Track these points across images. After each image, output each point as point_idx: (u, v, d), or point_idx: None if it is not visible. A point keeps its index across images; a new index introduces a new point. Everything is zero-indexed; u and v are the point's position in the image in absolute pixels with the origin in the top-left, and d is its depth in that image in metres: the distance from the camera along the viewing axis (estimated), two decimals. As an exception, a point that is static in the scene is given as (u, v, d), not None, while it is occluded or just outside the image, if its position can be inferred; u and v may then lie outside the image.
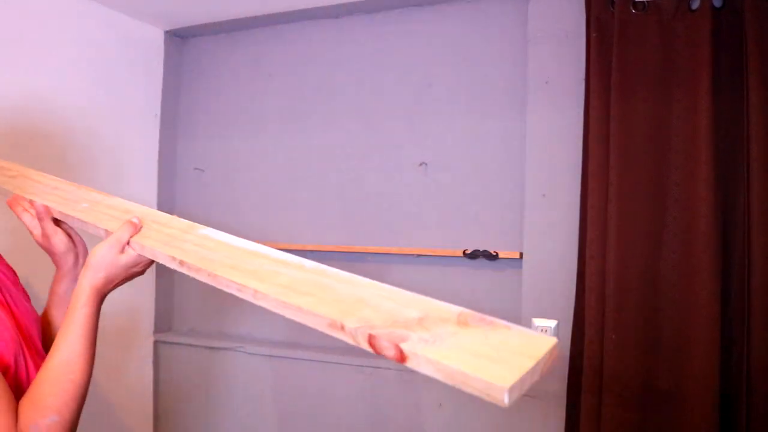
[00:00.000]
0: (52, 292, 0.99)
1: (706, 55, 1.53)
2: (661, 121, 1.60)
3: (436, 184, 1.98)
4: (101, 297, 0.86)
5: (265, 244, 0.85)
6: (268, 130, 2.24)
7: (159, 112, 2.31)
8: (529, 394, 1.76)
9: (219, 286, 0.78)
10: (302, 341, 2.15)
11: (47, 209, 0.91)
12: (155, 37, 2.29)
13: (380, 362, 1.96)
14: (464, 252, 1.88)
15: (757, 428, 1.46)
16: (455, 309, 0.66)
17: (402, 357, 0.60)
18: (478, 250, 1.87)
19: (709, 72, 1.52)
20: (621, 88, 1.61)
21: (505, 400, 0.53)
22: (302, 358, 2.07)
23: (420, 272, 1.97)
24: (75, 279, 0.95)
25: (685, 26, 1.57)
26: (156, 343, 2.30)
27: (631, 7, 1.61)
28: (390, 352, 0.61)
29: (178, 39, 2.38)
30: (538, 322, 1.76)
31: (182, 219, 0.93)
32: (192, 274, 0.81)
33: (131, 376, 2.22)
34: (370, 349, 0.63)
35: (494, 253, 1.85)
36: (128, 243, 0.87)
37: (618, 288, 1.59)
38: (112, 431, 2.14)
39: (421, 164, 2.00)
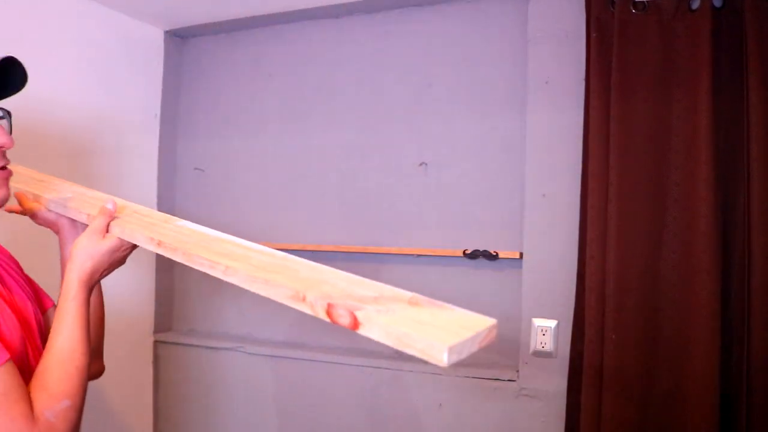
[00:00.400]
0: (62, 260, 1.02)
1: (706, 55, 1.53)
2: (661, 121, 1.60)
3: (436, 184, 1.98)
4: (89, 287, 0.88)
5: (265, 243, 0.89)
6: (268, 130, 2.24)
7: (159, 112, 2.30)
8: (529, 394, 1.77)
9: (193, 265, 0.84)
10: (302, 341, 2.15)
11: (21, 193, 0.99)
12: (155, 37, 2.29)
13: (381, 362, 1.96)
14: (464, 252, 1.88)
15: (757, 428, 1.46)
16: (408, 293, 0.73)
17: (356, 324, 0.67)
18: (478, 250, 1.87)
19: (709, 72, 1.52)
20: (621, 88, 1.61)
21: (444, 359, 0.60)
22: (302, 358, 2.07)
23: (420, 272, 1.97)
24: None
25: (685, 26, 1.57)
26: (156, 343, 2.30)
27: (631, 7, 1.61)
28: (345, 319, 0.68)
29: (178, 39, 2.38)
30: (538, 322, 1.76)
31: (161, 212, 0.99)
32: (168, 254, 0.86)
33: (131, 376, 2.22)
34: (326, 318, 0.70)
35: (494, 253, 1.85)
36: (107, 229, 0.91)
37: (618, 288, 1.59)
38: (112, 431, 2.14)
39: (421, 164, 2.00)
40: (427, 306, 0.71)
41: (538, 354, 1.76)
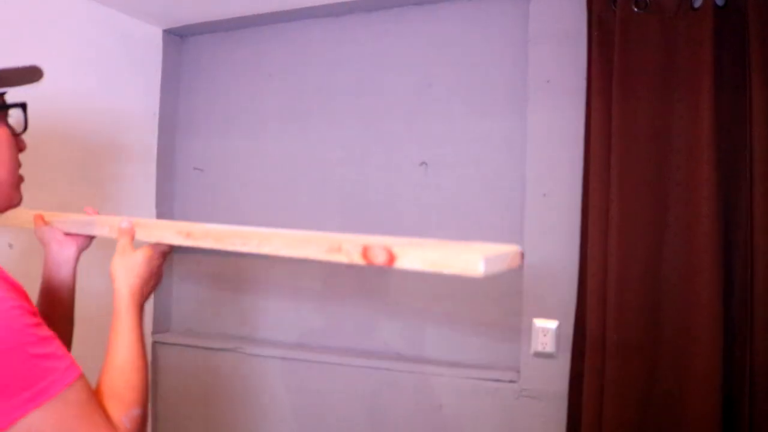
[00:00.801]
0: (45, 266, 1.10)
1: (708, 54, 1.52)
2: (662, 120, 1.59)
3: (436, 184, 1.97)
4: (139, 302, 0.92)
5: None
6: (267, 129, 2.23)
7: (158, 111, 2.30)
8: (530, 394, 1.76)
9: (224, 246, 0.87)
10: (303, 342, 2.14)
11: (38, 216, 1.11)
12: (154, 36, 2.28)
13: (381, 363, 1.95)
14: (465, 252, 1.87)
15: (759, 428, 1.45)
16: (434, 240, 0.79)
17: (391, 258, 0.72)
18: (479, 251, 1.86)
19: (711, 71, 1.52)
20: (622, 87, 1.60)
21: (481, 267, 0.65)
22: (302, 359, 2.06)
23: (420, 272, 1.96)
24: (55, 267, 1.09)
25: (687, 25, 1.57)
26: (154, 344, 2.29)
27: (633, 6, 1.61)
28: (381, 257, 0.72)
29: (177, 38, 2.37)
30: (539, 322, 1.75)
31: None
32: (198, 243, 0.90)
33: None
34: (362, 261, 0.74)
35: (495, 254, 1.84)
36: (132, 241, 0.95)
37: (619, 288, 1.58)
38: (111, 432, 2.13)
39: (421, 164, 1.99)
40: (454, 242, 0.76)
41: (539, 355, 1.75)
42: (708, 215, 1.51)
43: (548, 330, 1.74)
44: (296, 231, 0.88)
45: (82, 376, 0.71)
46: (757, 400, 1.45)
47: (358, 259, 0.74)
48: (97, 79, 2.05)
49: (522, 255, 0.72)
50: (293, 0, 2.02)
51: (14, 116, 0.87)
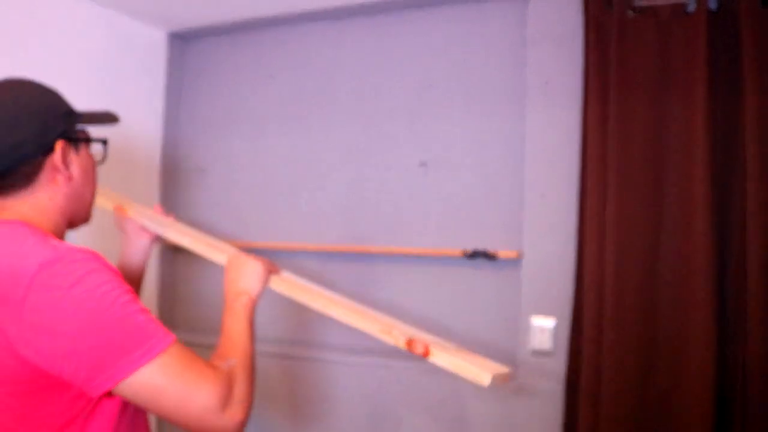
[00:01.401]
0: (122, 253, 1.28)
1: (702, 57, 1.55)
2: (658, 122, 1.61)
3: (436, 184, 1.99)
4: (233, 296, 1.15)
5: (265, 243, 1.00)
6: (269, 130, 2.26)
7: (161, 113, 2.32)
8: (528, 392, 1.78)
9: (292, 296, 1.18)
10: (304, 339, 2.16)
11: (119, 207, 1.30)
12: (158, 39, 2.31)
13: (381, 361, 1.97)
14: (464, 252, 1.90)
15: (753, 426, 1.47)
16: (452, 343, 1.17)
17: (427, 353, 1.03)
18: (478, 250, 1.89)
19: (705, 73, 1.54)
20: (619, 89, 1.63)
21: (488, 381, 0.99)
22: (306, 356, 2.09)
23: (419, 272, 1.98)
24: (131, 254, 1.29)
25: (681, 28, 1.59)
26: (159, 342, 2.32)
27: (629, 10, 1.63)
28: (420, 349, 1.04)
29: (181, 41, 2.40)
30: (536, 321, 1.77)
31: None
32: (272, 285, 1.20)
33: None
34: (405, 348, 1.06)
35: (493, 253, 1.86)
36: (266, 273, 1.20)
37: (616, 287, 1.60)
38: (116, 429, 2.16)
39: (421, 164, 2.02)
40: (466, 352, 1.10)
41: (537, 353, 1.78)
42: (703, 215, 1.53)
43: (546, 328, 1.76)
44: (354, 304, 1.18)
45: (177, 340, 0.86)
46: (751, 399, 1.47)
47: (401, 345, 1.05)
48: (102, 81, 2.08)
49: (510, 375, 1.07)
50: (295, 3, 2.04)
51: (95, 147, 1.02)
